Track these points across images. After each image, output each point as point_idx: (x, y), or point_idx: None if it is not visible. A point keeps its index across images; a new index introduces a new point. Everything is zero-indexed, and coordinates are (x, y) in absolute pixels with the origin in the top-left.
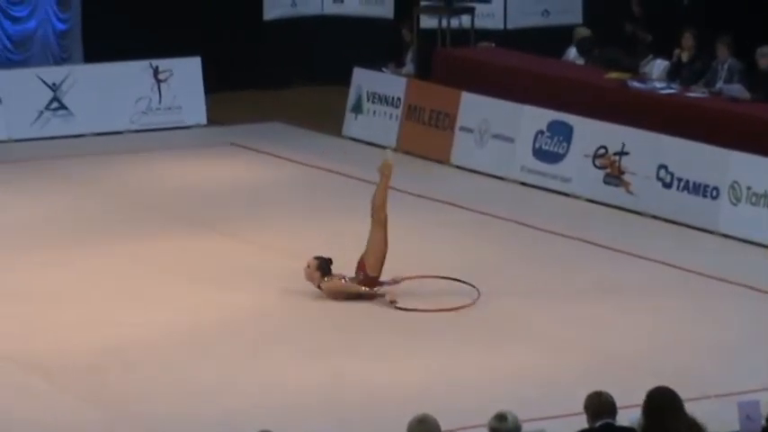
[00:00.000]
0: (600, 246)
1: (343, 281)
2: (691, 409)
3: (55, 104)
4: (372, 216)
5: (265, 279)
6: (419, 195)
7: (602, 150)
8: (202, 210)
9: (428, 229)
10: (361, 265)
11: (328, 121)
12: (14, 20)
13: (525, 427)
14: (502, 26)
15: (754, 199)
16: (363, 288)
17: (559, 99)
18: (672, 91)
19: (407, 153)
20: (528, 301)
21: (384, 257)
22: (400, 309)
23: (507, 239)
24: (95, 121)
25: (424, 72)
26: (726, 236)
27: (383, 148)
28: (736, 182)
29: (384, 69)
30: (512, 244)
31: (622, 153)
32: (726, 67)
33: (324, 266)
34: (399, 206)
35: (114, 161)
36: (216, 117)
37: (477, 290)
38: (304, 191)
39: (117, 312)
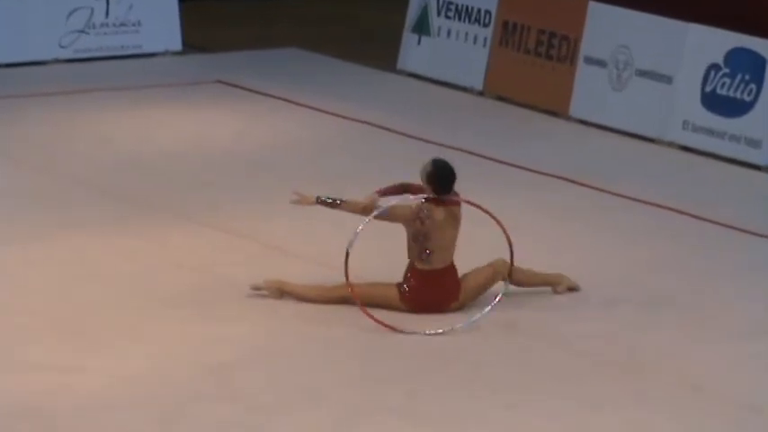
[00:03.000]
0: None
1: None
2: None
3: None
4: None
5: (274, 299)
6: (520, 166)
7: None
8: (175, 188)
9: (533, 217)
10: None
11: (375, 48)
12: None
13: None
14: None
15: None
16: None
17: (745, 14)
18: None
19: (501, 99)
20: (687, 338)
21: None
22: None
23: (659, 237)
24: (4, 44)
25: None
26: None
27: (464, 90)
28: None
29: None
30: (666, 244)
31: None
32: None
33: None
34: (488, 180)
35: (36, 108)
36: (196, 40)
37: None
38: (336, 157)
39: (47, 351)
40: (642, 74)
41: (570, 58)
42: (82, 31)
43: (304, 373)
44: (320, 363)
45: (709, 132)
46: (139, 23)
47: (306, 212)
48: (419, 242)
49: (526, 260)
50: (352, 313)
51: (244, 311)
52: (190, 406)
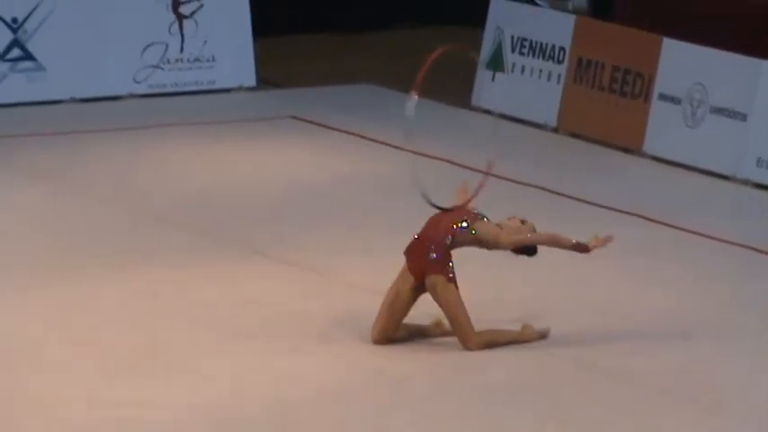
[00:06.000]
0: None
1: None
2: None
3: (16, 53)
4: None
5: (350, 334)
6: (592, 203)
7: None
8: (248, 223)
9: (607, 254)
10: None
11: (448, 84)
12: None
13: None
14: None
15: None
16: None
17: None
18: None
19: (574, 135)
20: (765, 376)
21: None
22: None
23: (733, 274)
24: (79, 79)
25: (604, 6)
26: None
27: (538, 127)
28: None
29: (539, 2)
30: (741, 282)
31: None
32: None
33: None
34: (562, 217)
35: (109, 143)
36: (270, 75)
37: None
38: (410, 193)
39: (120, 385)
40: (717, 111)
41: (644, 95)
42: (156, 67)
43: (375, 410)
44: (392, 400)
45: None
46: (214, 59)
47: (379, 247)
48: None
49: (598, 295)
50: (424, 348)
51: (315, 347)
52: None
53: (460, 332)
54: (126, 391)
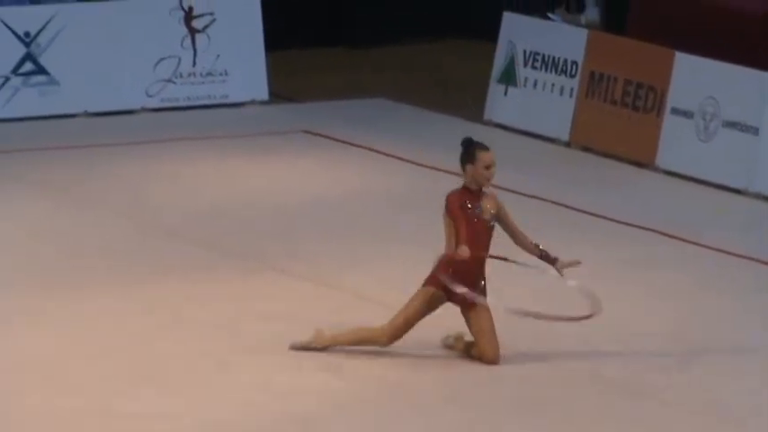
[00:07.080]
0: None
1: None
2: None
3: (29, 67)
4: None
5: (362, 347)
6: (606, 217)
7: None
8: (260, 237)
9: (619, 268)
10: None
11: (461, 98)
12: None
13: None
14: None
15: None
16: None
17: None
18: None
19: (587, 149)
20: None
21: None
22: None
23: (746, 287)
24: (92, 93)
25: (616, 20)
26: None
27: (550, 141)
28: None
29: (552, 16)
30: (752, 295)
31: None
32: None
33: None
34: (575, 231)
35: (121, 157)
36: (283, 89)
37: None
38: (423, 207)
39: (132, 398)
40: (729, 125)
41: (657, 108)
42: (169, 81)
43: (388, 422)
44: (405, 412)
45: None
46: (226, 73)
47: (390, 261)
48: None
49: (609, 309)
50: (437, 360)
51: (327, 360)
52: None
53: (495, 344)
54: (137, 404)
